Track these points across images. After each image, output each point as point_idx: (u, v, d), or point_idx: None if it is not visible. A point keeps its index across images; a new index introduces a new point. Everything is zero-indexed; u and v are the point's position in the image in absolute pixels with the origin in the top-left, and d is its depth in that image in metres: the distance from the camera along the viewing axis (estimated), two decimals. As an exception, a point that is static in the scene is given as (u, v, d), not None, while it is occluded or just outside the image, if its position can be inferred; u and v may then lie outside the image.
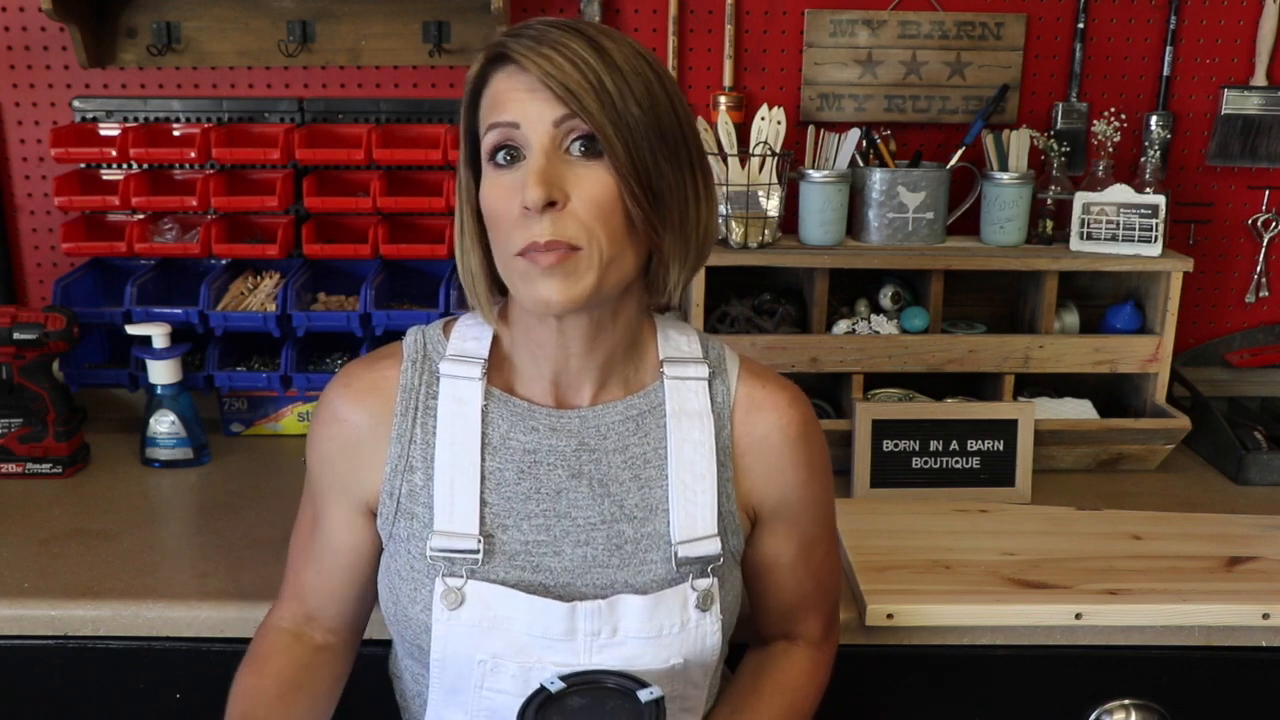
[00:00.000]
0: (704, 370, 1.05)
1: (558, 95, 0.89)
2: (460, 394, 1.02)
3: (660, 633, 0.99)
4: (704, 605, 1.01)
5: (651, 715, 0.88)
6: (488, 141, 0.93)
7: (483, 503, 1.00)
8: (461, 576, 0.99)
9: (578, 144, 0.91)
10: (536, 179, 0.89)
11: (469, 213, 0.98)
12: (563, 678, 0.92)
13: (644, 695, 0.90)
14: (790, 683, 1.13)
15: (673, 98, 0.94)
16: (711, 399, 1.05)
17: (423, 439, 1.02)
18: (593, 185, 0.90)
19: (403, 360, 1.04)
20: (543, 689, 0.90)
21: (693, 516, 1.02)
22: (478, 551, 0.99)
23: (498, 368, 1.04)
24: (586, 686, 0.91)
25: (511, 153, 0.92)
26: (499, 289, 1.00)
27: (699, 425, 1.03)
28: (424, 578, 1.00)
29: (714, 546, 1.02)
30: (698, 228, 0.98)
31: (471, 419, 1.01)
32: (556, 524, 1.01)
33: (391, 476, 1.02)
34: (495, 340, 1.05)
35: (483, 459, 1.01)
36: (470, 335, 1.05)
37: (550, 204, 0.89)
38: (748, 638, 1.19)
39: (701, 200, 0.98)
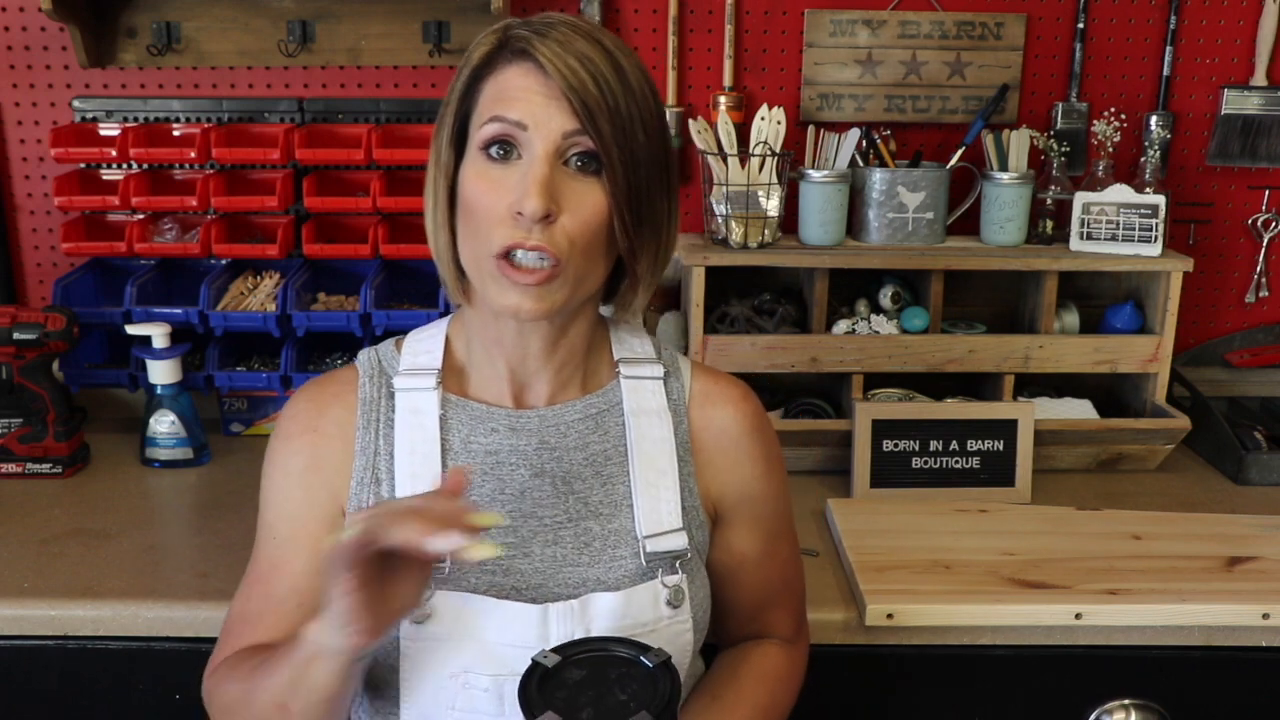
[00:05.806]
0: (659, 370, 1.07)
1: (574, 109, 0.89)
2: (416, 405, 1.02)
3: (633, 632, 0.98)
4: (675, 601, 1.01)
5: (664, 679, 0.84)
6: (485, 132, 0.92)
7: None
8: (429, 588, 0.96)
9: (578, 159, 0.91)
10: (539, 189, 0.89)
11: (444, 191, 0.96)
12: (555, 650, 0.87)
13: (649, 660, 0.86)
14: (771, 672, 1.12)
15: (664, 123, 0.96)
16: (668, 396, 1.06)
17: (385, 451, 1.01)
18: (586, 204, 0.92)
19: (359, 375, 1.05)
20: (537, 665, 0.85)
21: (657, 511, 1.02)
22: (444, 560, 0.95)
23: (452, 375, 1.05)
24: (584, 655, 0.87)
25: (506, 148, 0.92)
26: (463, 270, 0.99)
27: (658, 422, 1.04)
28: None
29: (680, 540, 1.02)
30: (668, 249, 1.00)
31: (429, 428, 1.01)
32: (524, 524, 1.00)
33: (358, 490, 1.01)
34: (447, 348, 1.05)
35: (444, 465, 1.00)
36: (422, 349, 1.05)
37: (545, 216, 0.89)
38: (719, 641, 1.17)
39: (674, 223, 1.00)
